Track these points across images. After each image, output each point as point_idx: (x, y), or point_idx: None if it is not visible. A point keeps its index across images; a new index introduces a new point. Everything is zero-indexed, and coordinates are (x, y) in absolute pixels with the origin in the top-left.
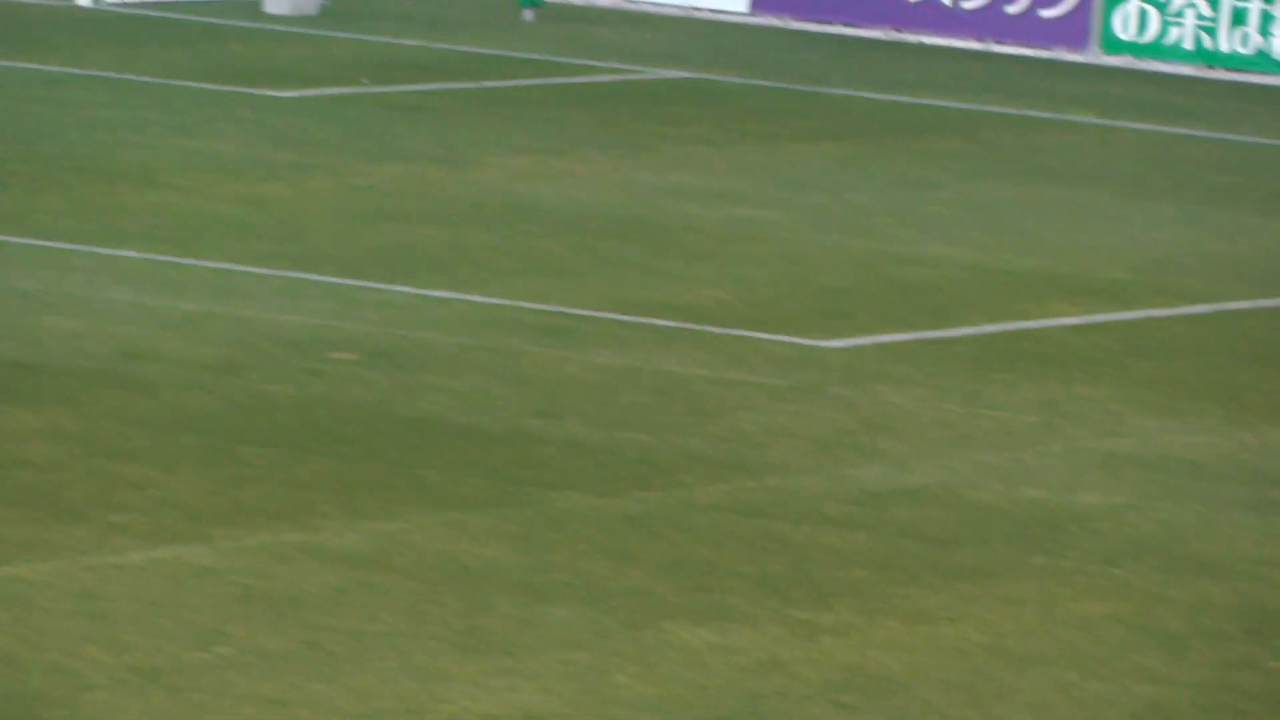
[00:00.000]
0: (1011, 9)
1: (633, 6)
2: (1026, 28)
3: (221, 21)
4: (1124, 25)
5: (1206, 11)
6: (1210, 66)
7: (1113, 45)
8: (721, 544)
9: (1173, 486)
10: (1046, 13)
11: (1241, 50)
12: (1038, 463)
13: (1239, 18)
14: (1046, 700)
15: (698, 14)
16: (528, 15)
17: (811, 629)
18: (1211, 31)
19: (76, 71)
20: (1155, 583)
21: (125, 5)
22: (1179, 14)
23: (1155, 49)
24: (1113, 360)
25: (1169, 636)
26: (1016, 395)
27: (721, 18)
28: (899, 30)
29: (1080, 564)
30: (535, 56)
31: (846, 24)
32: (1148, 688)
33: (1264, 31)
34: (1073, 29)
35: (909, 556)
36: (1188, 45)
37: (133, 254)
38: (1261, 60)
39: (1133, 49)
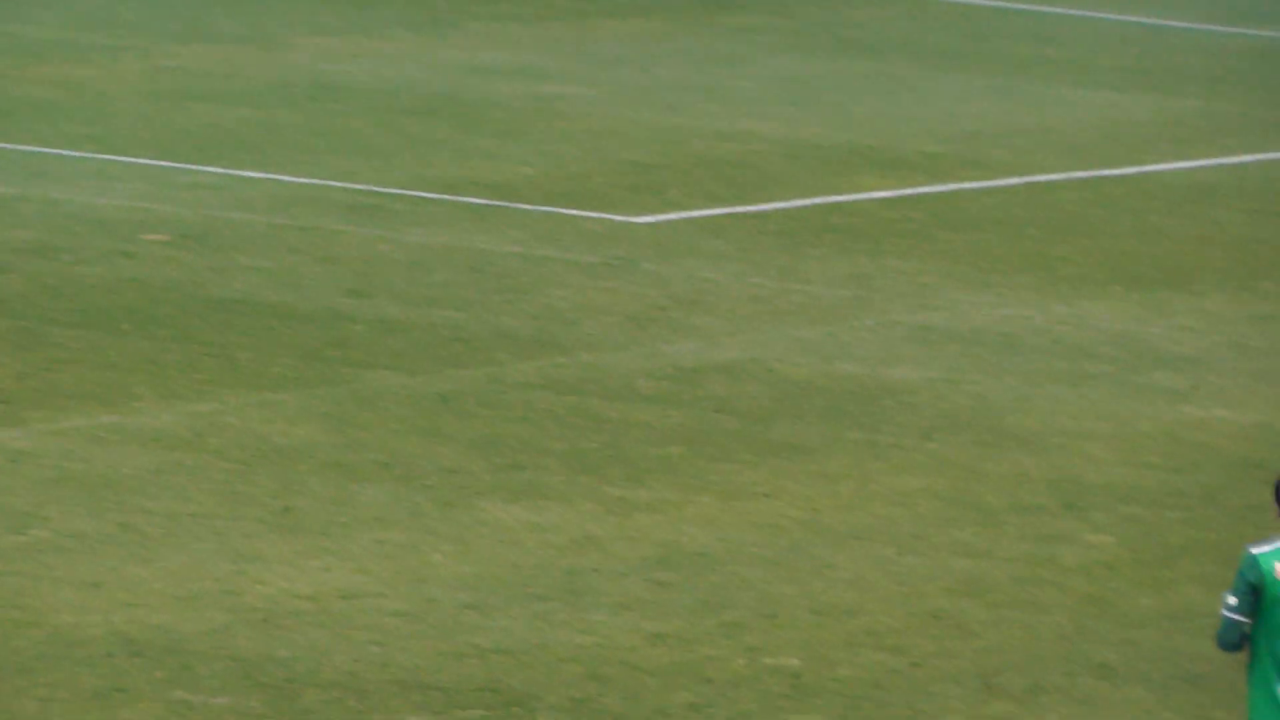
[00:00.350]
0: None
1: None
2: None
3: None
4: None
5: None
6: None
7: None
8: (535, 422)
9: (986, 360)
10: None
11: None
12: (851, 337)
13: None
14: (863, 575)
15: None
16: None
17: (626, 506)
18: None
19: None
20: (971, 457)
21: None
22: None
23: None
24: (924, 233)
25: (985, 510)
26: (828, 269)
27: None
28: None
29: (895, 438)
30: None
31: None
32: (964, 561)
33: None
34: None
35: (723, 432)
36: None
37: None
38: None
39: None
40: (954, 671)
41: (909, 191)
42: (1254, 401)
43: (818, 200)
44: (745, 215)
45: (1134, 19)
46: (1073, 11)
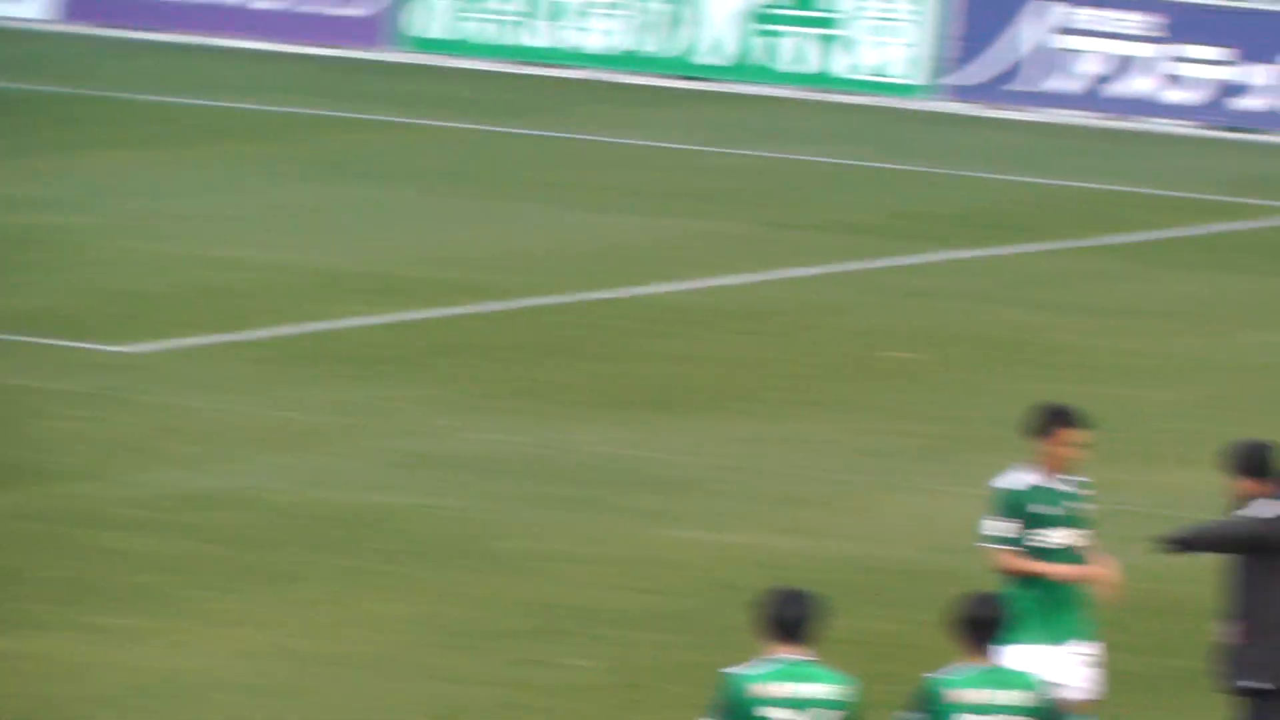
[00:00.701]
0: (308, 8)
1: None
2: (323, 27)
3: None
4: (424, 23)
5: (512, 5)
6: (516, 61)
7: (414, 42)
8: (13, 551)
9: (469, 484)
10: (343, 11)
11: (548, 44)
12: (335, 464)
13: (552, 11)
14: (346, 702)
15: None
16: None
17: (107, 634)
18: (519, 25)
19: None
20: (451, 581)
21: None
22: (482, 8)
23: (458, 45)
24: (414, 359)
25: (464, 635)
26: (315, 395)
27: (30, 25)
28: (209, 34)
29: (377, 564)
30: None
31: (155, 30)
32: (445, 686)
33: (567, 20)
34: (370, 28)
35: (205, 559)
36: (493, 40)
37: None
38: (563, 54)
39: (435, 45)
40: None
41: (400, 317)
42: (734, 523)
43: (308, 327)
44: (234, 343)
45: (636, 142)
46: (574, 135)
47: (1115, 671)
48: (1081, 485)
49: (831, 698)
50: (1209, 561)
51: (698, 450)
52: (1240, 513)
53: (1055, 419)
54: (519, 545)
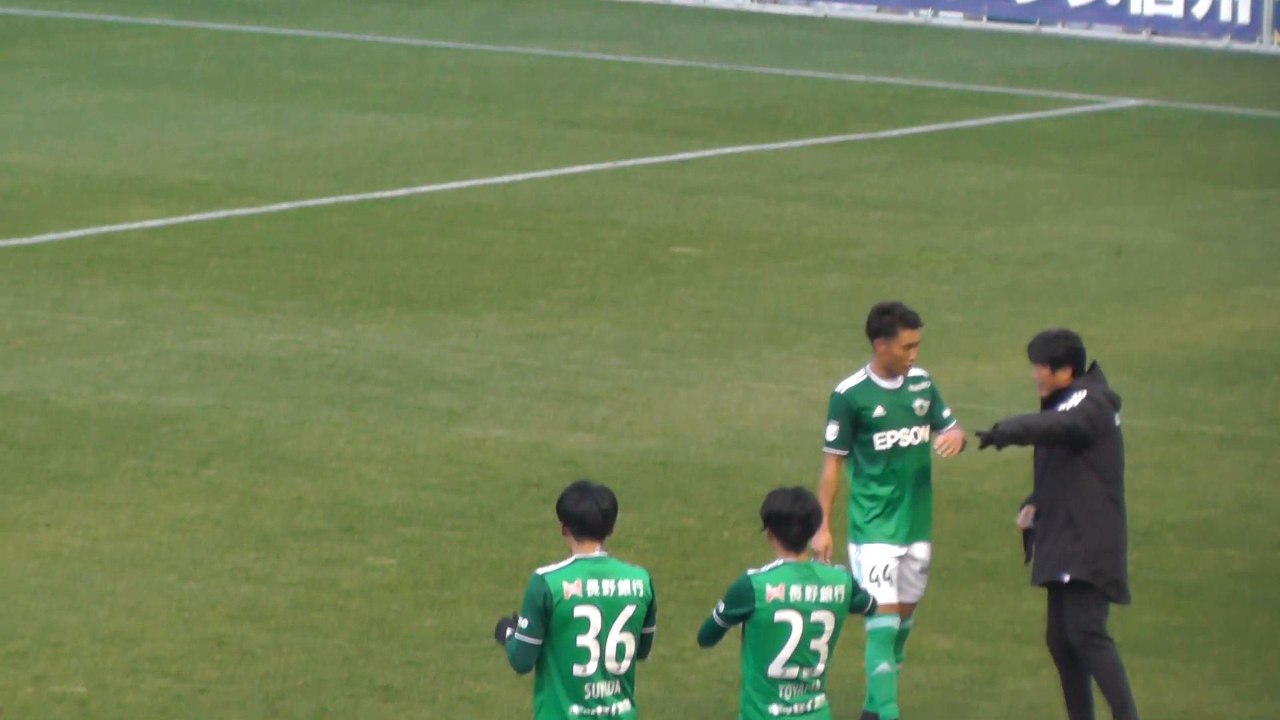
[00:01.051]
0: None
1: None
2: None
3: None
4: None
5: None
6: None
7: None
8: None
9: (261, 385)
10: None
11: None
12: (125, 367)
13: None
14: (145, 602)
15: None
16: None
17: None
18: None
19: None
20: (248, 482)
21: None
22: None
23: None
24: (195, 261)
25: (263, 535)
26: (101, 300)
27: None
28: None
29: (172, 466)
30: None
31: None
32: (244, 587)
33: None
34: None
35: (0, 464)
36: None
37: None
38: None
39: None
40: (238, 696)
41: (178, 220)
42: (530, 421)
43: (88, 231)
44: (15, 248)
45: (401, 40)
46: (338, 35)
47: None
48: (914, 381)
49: (633, 593)
50: (1011, 454)
51: (489, 349)
52: (1063, 404)
53: (894, 319)
54: (316, 446)
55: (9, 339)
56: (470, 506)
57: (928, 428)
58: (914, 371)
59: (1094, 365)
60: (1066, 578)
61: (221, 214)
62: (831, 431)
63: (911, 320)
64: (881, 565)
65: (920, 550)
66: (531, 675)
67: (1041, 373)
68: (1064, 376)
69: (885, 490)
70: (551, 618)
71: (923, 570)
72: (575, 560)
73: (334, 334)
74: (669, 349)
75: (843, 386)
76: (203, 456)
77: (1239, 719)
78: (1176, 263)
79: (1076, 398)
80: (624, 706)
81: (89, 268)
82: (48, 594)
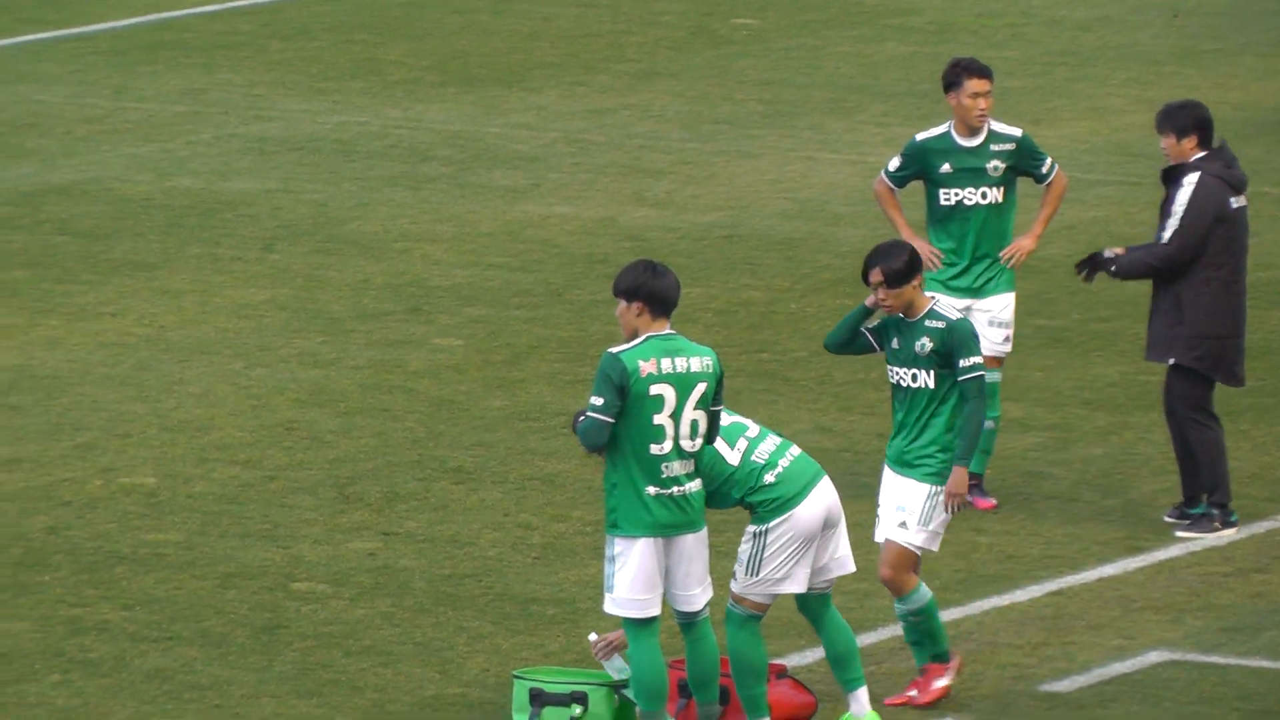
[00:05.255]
0: None
1: None
2: None
3: None
4: None
5: None
6: None
7: None
8: None
9: (324, 167)
10: None
11: None
12: (187, 152)
13: None
14: (212, 390)
15: None
16: None
17: None
18: None
19: None
20: (313, 265)
21: None
22: None
23: None
24: (254, 44)
25: (329, 319)
26: (161, 86)
27: None
28: None
29: (236, 251)
30: None
31: None
32: (312, 371)
33: None
34: None
35: (65, 254)
36: None
37: None
38: None
39: None
40: (308, 482)
41: (237, 4)
42: (593, 196)
43: (146, 19)
44: (72, 37)
45: None
46: None
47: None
48: (997, 140)
49: (704, 369)
50: (1074, 219)
51: (550, 126)
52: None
53: (960, 69)
54: (380, 227)
55: (70, 128)
56: (536, 284)
57: (1000, 189)
58: (1004, 129)
59: (1223, 143)
60: (1171, 360)
61: None
62: (892, 164)
63: (977, 69)
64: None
65: (991, 304)
66: (601, 456)
67: (1168, 141)
68: (1189, 145)
69: (949, 244)
70: (628, 397)
71: (993, 323)
72: (648, 339)
73: (395, 114)
74: (731, 121)
75: (921, 135)
76: (267, 241)
77: None
78: (1234, 22)
79: (1186, 189)
80: (695, 486)
81: (148, 54)
82: (114, 383)
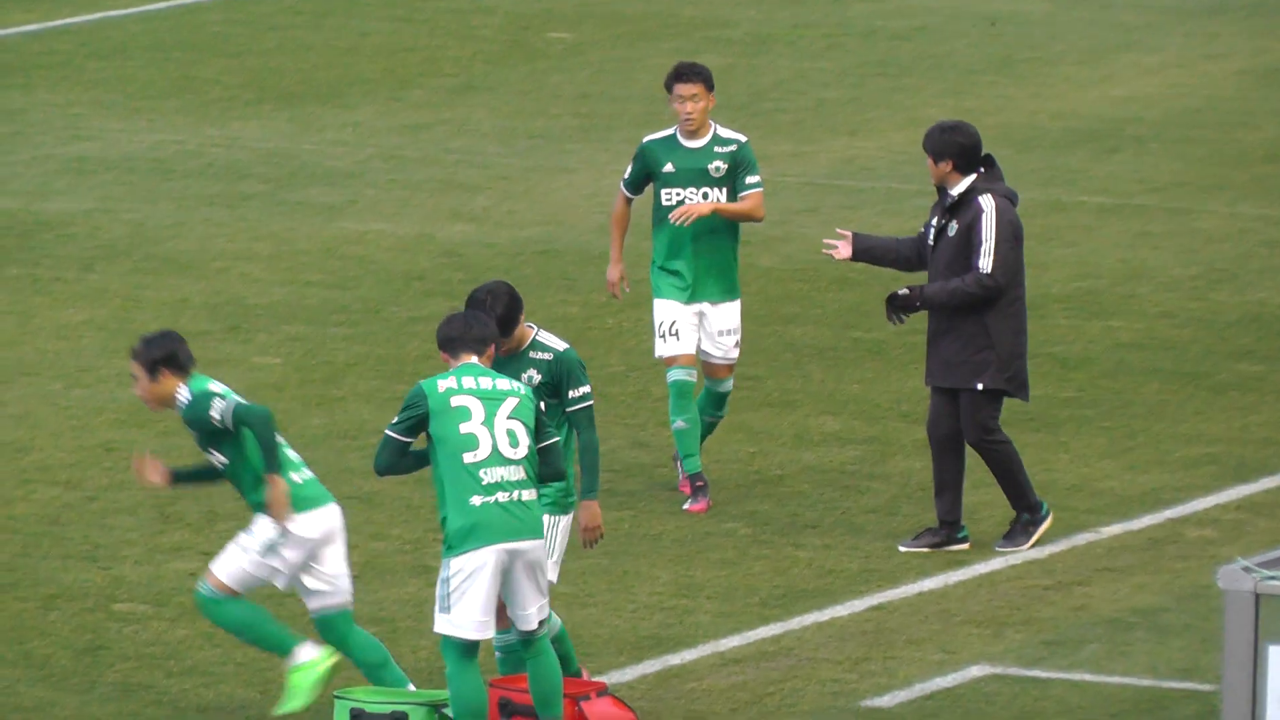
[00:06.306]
0: None
1: None
2: None
3: None
4: None
5: None
6: None
7: None
8: None
9: (141, 187)
10: None
11: None
12: (5, 172)
13: None
14: (32, 411)
15: None
16: None
17: None
18: None
19: None
20: (131, 285)
21: None
22: None
23: None
24: (72, 64)
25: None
26: None
27: None
28: None
29: (55, 271)
30: None
31: None
32: (131, 391)
33: None
34: None
35: None
36: None
37: None
38: None
39: None
40: (129, 503)
41: (55, 24)
42: (410, 213)
43: None
44: None
45: None
46: None
47: (799, 343)
48: (721, 143)
49: (514, 389)
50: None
51: (367, 142)
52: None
53: (669, 76)
54: (198, 246)
55: None
56: (354, 301)
57: (723, 190)
58: (727, 134)
59: (989, 159)
60: (980, 387)
61: (97, 16)
62: (627, 172)
63: (679, 73)
64: (668, 320)
65: (717, 311)
66: (414, 476)
67: (930, 164)
68: (946, 168)
69: (671, 246)
70: (431, 418)
71: (724, 332)
72: (453, 370)
73: (212, 132)
74: (547, 135)
75: (647, 137)
76: (86, 261)
77: (1130, 492)
78: (1050, 31)
79: (988, 214)
80: (530, 494)
81: None
82: None
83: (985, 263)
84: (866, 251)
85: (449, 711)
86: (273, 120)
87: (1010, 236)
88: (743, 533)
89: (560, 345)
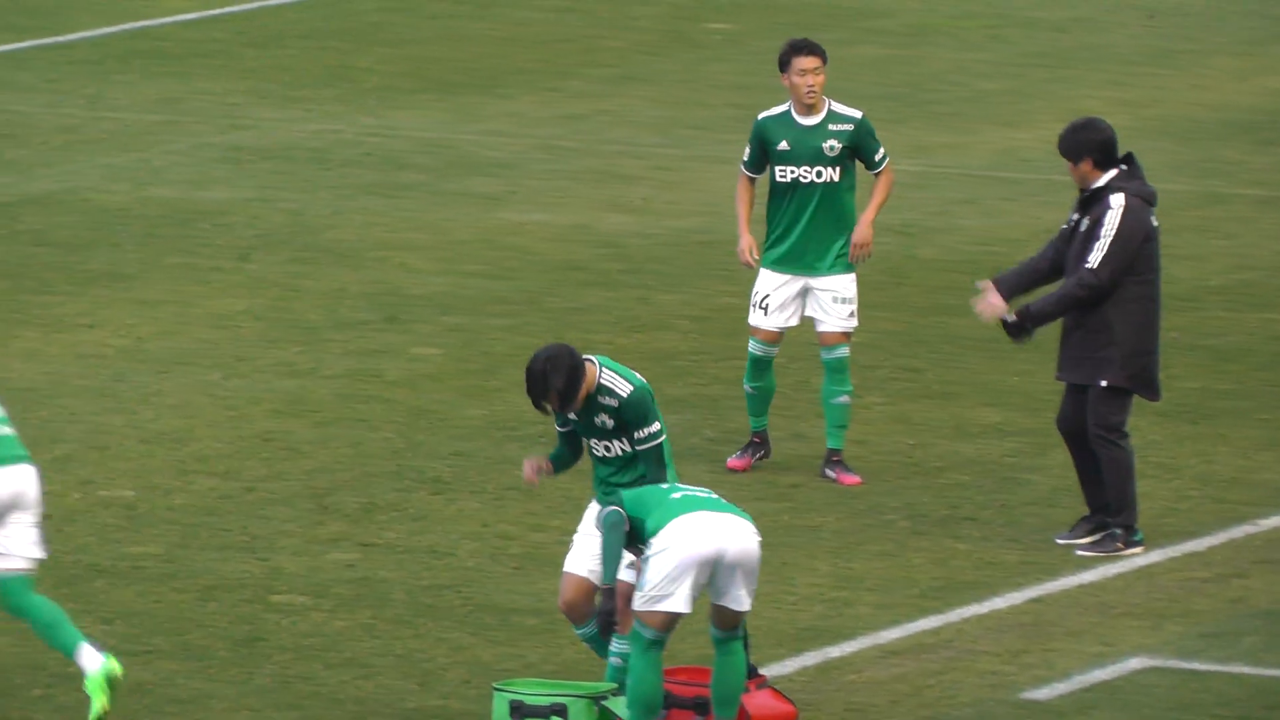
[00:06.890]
0: None
1: None
2: None
3: None
4: None
5: None
6: None
7: None
8: None
9: (299, 176)
10: None
11: None
12: (163, 162)
13: None
14: (190, 401)
15: None
16: None
17: None
18: None
19: None
20: (289, 275)
21: None
22: None
23: None
24: (229, 52)
25: (306, 328)
26: (136, 95)
27: None
28: None
29: (213, 261)
30: None
31: None
32: (289, 381)
33: None
34: None
35: (41, 265)
36: None
37: None
38: None
39: None
40: (286, 493)
41: (212, 13)
42: (569, 203)
43: (122, 27)
44: (49, 46)
45: None
46: None
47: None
48: (836, 120)
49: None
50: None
51: (526, 132)
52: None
53: (787, 49)
54: (356, 235)
55: (45, 137)
56: (512, 292)
57: (837, 170)
58: (843, 110)
59: (1130, 157)
60: (1104, 383)
61: (254, 4)
62: (745, 153)
63: (800, 47)
64: (762, 292)
65: (830, 281)
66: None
67: (1069, 166)
68: (1086, 168)
69: (783, 221)
70: None
71: (837, 300)
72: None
73: (370, 121)
74: (706, 125)
75: (762, 114)
76: (243, 250)
77: None
78: (1208, 23)
79: (1114, 211)
80: None
81: (123, 63)
82: (92, 395)
83: (1094, 258)
84: (1013, 290)
85: (608, 704)
86: (431, 110)
87: (1131, 235)
88: (902, 524)
89: (624, 389)
